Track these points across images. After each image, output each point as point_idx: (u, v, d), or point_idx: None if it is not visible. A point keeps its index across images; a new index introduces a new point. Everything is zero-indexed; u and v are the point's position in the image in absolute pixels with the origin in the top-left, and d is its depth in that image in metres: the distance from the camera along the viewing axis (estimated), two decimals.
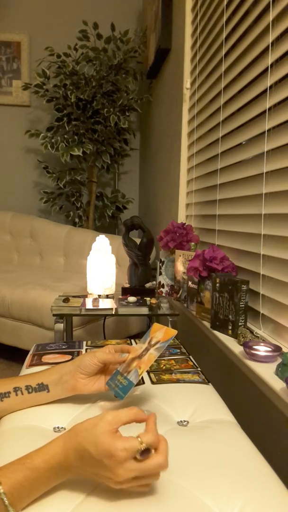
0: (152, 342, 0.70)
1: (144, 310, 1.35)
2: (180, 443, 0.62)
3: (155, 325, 0.74)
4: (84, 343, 1.07)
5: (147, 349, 0.70)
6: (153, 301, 1.41)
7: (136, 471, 0.47)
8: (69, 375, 0.71)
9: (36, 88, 2.46)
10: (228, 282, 1.02)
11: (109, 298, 1.47)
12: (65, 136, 2.46)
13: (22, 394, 0.69)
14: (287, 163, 0.88)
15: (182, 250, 1.42)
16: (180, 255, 1.41)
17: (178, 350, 1.02)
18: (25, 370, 0.90)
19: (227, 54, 1.23)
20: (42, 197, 2.69)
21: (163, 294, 1.52)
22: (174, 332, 0.70)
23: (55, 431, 0.67)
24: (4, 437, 0.65)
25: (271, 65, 0.94)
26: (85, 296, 1.48)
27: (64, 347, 1.03)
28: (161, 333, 0.71)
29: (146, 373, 0.87)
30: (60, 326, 1.30)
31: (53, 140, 2.39)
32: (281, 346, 0.88)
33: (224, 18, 1.24)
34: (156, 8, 2.07)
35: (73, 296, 1.48)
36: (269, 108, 0.96)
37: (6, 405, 0.69)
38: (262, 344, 0.89)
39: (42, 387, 0.70)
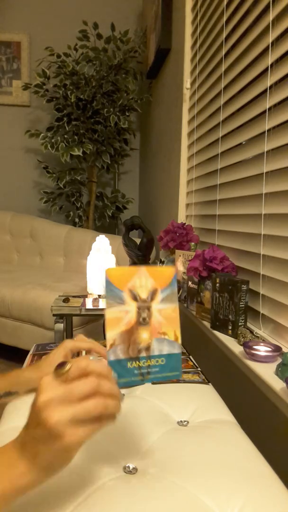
0: (143, 296, 0.49)
1: None
2: (180, 443, 0.62)
3: (118, 271, 0.48)
4: None
5: (144, 309, 0.49)
6: None
7: (63, 393, 0.39)
8: (35, 381, 0.65)
9: (36, 88, 2.46)
10: (228, 282, 1.02)
11: None
12: (65, 136, 2.46)
13: None
14: (287, 163, 0.88)
15: (182, 250, 1.42)
16: (180, 255, 1.41)
17: None
18: None
19: (227, 54, 1.23)
20: (42, 197, 2.69)
21: None
22: (170, 270, 0.50)
23: None
24: (4, 437, 0.65)
25: (271, 65, 0.94)
26: (85, 296, 1.48)
27: None
28: (146, 279, 0.48)
29: None
30: (60, 326, 1.30)
31: (53, 140, 2.39)
32: (281, 346, 0.88)
33: (224, 18, 1.24)
34: (156, 8, 2.07)
35: (73, 296, 1.48)
36: (269, 108, 0.96)
37: None
38: (262, 344, 0.89)
39: (10, 394, 0.67)
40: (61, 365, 0.41)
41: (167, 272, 0.50)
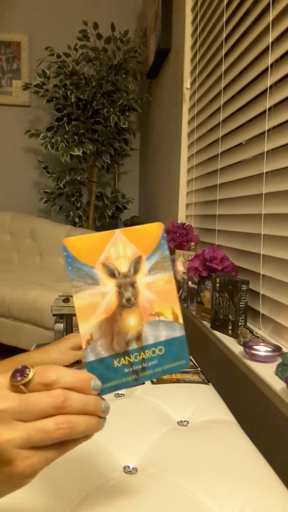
0: (123, 269, 0.36)
1: None
2: (180, 443, 0.62)
3: (83, 240, 0.36)
4: None
5: (127, 287, 0.36)
6: None
7: (18, 407, 0.30)
8: None
9: (36, 88, 2.46)
10: (228, 282, 1.02)
11: None
12: (65, 136, 2.46)
13: None
14: (287, 163, 0.88)
15: (182, 250, 1.42)
16: (180, 255, 1.41)
17: None
18: None
19: (227, 54, 1.23)
20: (42, 197, 2.69)
21: None
22: (155, 227, 0.38)
23: None
24: None
25: (271, 65, 0.94)
26: None
27: None
28: (125, 246, 0.36)
29: None
30: (60, 326, 1.30)
31: (53, 140, 2.39)
32: (281, 346, 0.88)
33: (224, 18, 1.24)
34: (156, 8, 2.07)
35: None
36: (269, 108, 0.96)
37: None
38: (262, 344, 0.89)
39: None
40: (21, 371, 0.32)
41: (152, 230, 0.37)
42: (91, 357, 0.35)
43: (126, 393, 0.79)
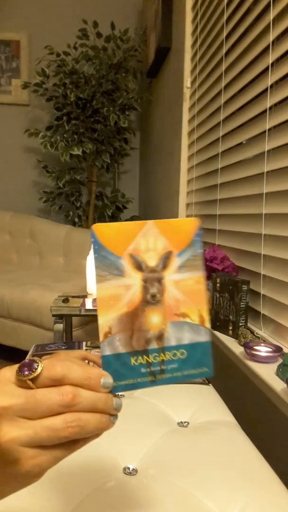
0: (152, 263, 0.34)
1: None
2: (180, 444, 0.62)
3: (113, 228, 0.34)
4: (84, 343, 1.07)
5: (153, 282, 0.34)
6: None
7: (25, 403, 0.29)
8: None
9: (35, 87, 2.46)
10: (228, 282, 1.02)
11: None
12: (65, 135, 2.45)
13: None
14: None
15: None
16: None
17: None
18: None
19: (227, 53, 1.22)
20: (41, 196, 2.69)
21: None
22: (191, 222, 0.35)
23: None
24: None
25: (272, 64, 0.94)
26: (84, 296, 1.48)
27: (63, 347, 1.03)
28: (156, 239, 0.34)
29: None
30: (60, 326, 1.29)
31: (52, 139, 2.39)
32: (281, 347, 0.88)
33: (225, 17, 1.23)
34: (156, 6, 2.07)
35: (73, 296, 1.48)
36: (270, 107, 0.95)
37: None
38: (262, 344, 0.89)
39: None
40: (29, 366, 0.30)
41: (187, 225, 0.34)
42: (107, 351, 0.33)
43: (126, 394, 0.78)
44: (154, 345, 0.34)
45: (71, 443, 0.30)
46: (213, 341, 1.10)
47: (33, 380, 0.29)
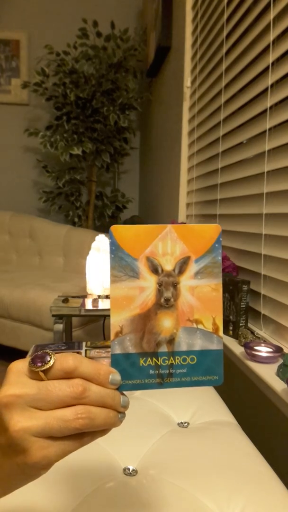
0: (168, 267, 0.34)
1: None
2: (180, 444, 0.62)
3: (131, 230, 0.34)
4: (84, 343, 1.07)
5: (168, 286, 0.34)
6: None
7: (36, 393, 0.29)
8: None
9: (35, 87, 2.45)
10: (229, 282, 1.02)
11: (109, 298, 1.47)
12: (65, 135, 2.45)
13: None
14: None
15: None
16: None
17: None
18: None
19: (227, 52, 1.22)
20: (41, 196, 2.69)
21: None
22: (212, 228, 0.35)
23: None
24: None
25: (272, 63, 0.94)
26: (84, 297, 1.48)
27: (63, 348, 1.02)
28: (174, 243, 0.34)
29: None
30: (60, 326, 1.29)
31: (52, 139, 2.39)
32: (282, 347, 0.87)
33: (225, 17, 1.23)
34: (156, 6, 2.06)
35: (73, 297, 1.47)
36: (270, 107, 0.95)
37: None
38: (263, 345, 0.88)
39: None
40: (41, 358, 0.30)
41: (208, 231, 0.34)
42: (117, 350, 0.34)
43: (126, 394, 0.78)
44: (164, 349, 0.34)
45: (79, 437, 0.31)
46: None
47: (45, 372, 0.30)
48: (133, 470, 0.56)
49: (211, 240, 0.35)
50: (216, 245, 0.35)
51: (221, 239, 0.35)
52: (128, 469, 0.56)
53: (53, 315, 1.30)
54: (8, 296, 1.96)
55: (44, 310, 1.82)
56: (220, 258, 0.35)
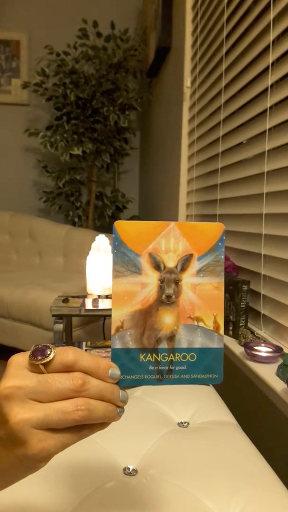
0: (170, 264, 0.35)
1: None
2: (180, 444, 0.62)
3: (134, 226, 0.35)
4: (84, 343, 1.07)
5: (169, 283, 0.34)
6: None
7: (36, 385, 0.30)
8: None
9: (35, 87, 2.45)
10: (228, 282, 1.02)
11: (109, 298, 1.47)
12: (65, 135, 2.45)
13: None
14: None
15: None
16: None
17: None
18: None
19: (227, 52, 1.22)
20: (41, 196, 2.69)
21: None
22: (215, 227, 0.35)
23: None
24: None
25: (272, 63, 0.94)
26: (84, 297, 1.48)
27: None
28: (177, 240, 0.35)
29: None
30: (60, 326, 1.29)
31: (52, 139, 2.39)
32: (282, 347, 0.87)
33: (225, 17, 1.23)
34: (156, 6, 2.06)
35: (73, 297, 1.47)
36: (270, 107, 0.95)
37: None
38: (263, 344, 0.88)
39: None
40: (42, 351, 0.31)
41: (211, 230, 0.34)
42: (117, 345, 0.34)
43: (125, 390, 0.78)
44: (164, 345, 0.35)
45: (78, 429, 0.31)
46: None
47: (45, 365, 0.30)
48: (133, 469, 0.56)
49: (214, 239, 0.35)
50: (219, 244, 0.35)
51: (224, 238, 0.35)
52: (128, 468, 0.56)
53: (53, 315, 1.30)
54: (8, 296, 1.96)
55: (44, 310, 1.82)
56: (222, 257, 0.35)
